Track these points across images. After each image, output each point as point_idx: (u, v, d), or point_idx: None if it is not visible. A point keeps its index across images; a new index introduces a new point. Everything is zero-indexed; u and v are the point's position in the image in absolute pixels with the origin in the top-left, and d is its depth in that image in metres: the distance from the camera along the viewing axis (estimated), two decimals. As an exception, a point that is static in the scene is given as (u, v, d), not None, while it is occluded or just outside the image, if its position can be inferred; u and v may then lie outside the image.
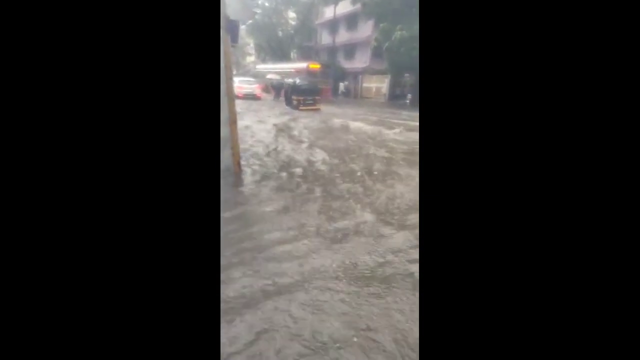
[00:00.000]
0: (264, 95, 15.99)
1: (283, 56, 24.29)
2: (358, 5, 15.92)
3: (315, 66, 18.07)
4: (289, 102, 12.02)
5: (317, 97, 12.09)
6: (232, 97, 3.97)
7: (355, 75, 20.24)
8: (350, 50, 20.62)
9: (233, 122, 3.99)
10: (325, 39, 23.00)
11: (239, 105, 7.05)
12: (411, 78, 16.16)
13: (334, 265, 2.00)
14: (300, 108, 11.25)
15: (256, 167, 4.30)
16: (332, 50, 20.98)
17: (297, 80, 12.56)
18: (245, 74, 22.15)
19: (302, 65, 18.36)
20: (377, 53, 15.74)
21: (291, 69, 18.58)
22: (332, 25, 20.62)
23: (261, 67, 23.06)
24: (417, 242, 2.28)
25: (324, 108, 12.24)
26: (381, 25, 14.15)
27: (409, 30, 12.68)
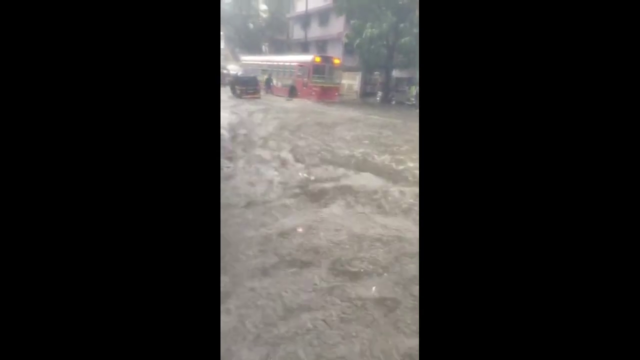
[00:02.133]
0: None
1: (254, 49, 23.64)
2: (329, 1, 15.85)
3: (336, 61, 15.12)
4: (233, 91, 14.01)
5: (257, 87, 14.17)
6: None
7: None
8: (322, 45, 20.52)
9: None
10: (297, 33, 22.70)
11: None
12: (381, 76, 16.43)
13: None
14: (243, 96, 13.35)
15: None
16: (304, 45, 20.77)
17: (239, 73, 15.43)
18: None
19: (307, 58, 15.02)
20: (348, 50, 15.80)
21: (291, 62, 15.84)
22: (304, 20, 20.38)
23: (248, 59, 20.34)
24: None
25: (326, 109, 12.06)
26: (352, 22, 14.20)
27: (378, 28, 12.85)
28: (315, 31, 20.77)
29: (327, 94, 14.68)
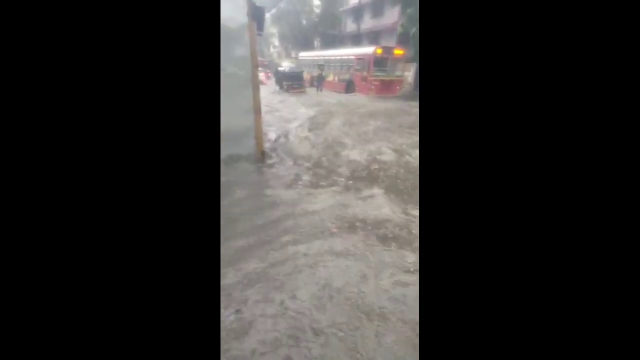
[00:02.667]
0: (268, 82, 17.48)
1: (306, 45, 24.09)
2: (384, -9, 15.37)
3: (397, 52, 13.45)
4: (280, 86, 15.13)
5: (302, 82, 14.63)
6: (257, 86, 4.02)
7: (380, 63, 19.63)
8: (374, 37, 20.06)
9: (257, 110, 4.06)
10: (349, 26, 22.51)
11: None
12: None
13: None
14: (290, 91, 13.92)
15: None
16: (357, 38, 20.51)
17: (286, 69, 15.95)
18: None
19: (367, 50, 13.58)
20: (403, 40, 15.17)
21: (349, 55, 14.67)
22: (357, 12, 20.10)
23: (305, 54, 20.10)
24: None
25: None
26: (408, 10, 13.60)
27: (437, 15, 12.08)
28: (368, 23, 20.36)
29: (389, 87, 13.39)
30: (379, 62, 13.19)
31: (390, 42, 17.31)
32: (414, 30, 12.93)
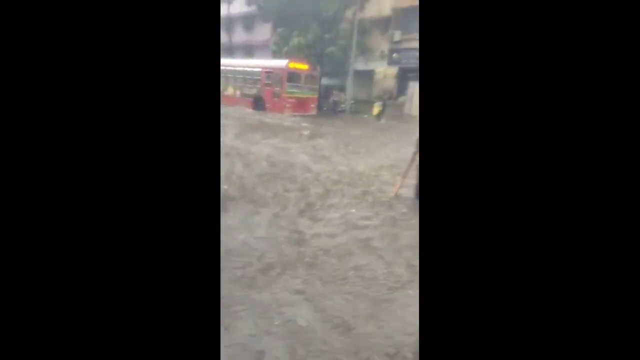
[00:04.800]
0: None
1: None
2: (254, 7, 15.59)
3: (300, 66, 12.28)
4: None
5: None
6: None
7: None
8: (249, 50, 20.10)
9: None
10: (222, 37, 21.71)
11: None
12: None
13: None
14: None
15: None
16: (230, 49, 20.02)
17: None
18: None
19: (279, 64, 12.20)
20: (278, 57, 15.81)
21: (254, 67, 13.13)
22: (228, 24, 19.66)
23: None
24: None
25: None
26: (279, 30, 14.25)
27: (305, 36, 13.18)
28: (241, 36, 20.24)
29: (303, 105, 12.43)
30: (292, 78, 12.07)
31: (265, 57, 17.58)
32: (286, 48, 13.58)
